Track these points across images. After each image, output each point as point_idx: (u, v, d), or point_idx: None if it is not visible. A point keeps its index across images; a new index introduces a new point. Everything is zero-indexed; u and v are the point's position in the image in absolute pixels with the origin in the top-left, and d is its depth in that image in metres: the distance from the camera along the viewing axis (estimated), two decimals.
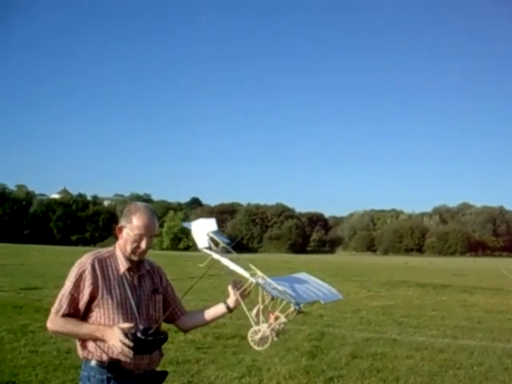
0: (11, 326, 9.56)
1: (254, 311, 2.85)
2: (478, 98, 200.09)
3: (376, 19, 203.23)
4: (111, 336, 2.72)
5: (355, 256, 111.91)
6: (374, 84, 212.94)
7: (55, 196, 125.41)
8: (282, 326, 2.75)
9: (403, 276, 30.76)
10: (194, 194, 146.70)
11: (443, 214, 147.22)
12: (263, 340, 2.72)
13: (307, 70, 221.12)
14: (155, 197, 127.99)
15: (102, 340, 2.76)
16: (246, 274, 2.86)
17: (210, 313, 3.15)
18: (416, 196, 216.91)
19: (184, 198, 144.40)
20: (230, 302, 3.06)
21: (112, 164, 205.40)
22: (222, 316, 3.16)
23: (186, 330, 3.37)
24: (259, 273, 2.85)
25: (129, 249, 2.89)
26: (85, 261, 2.87)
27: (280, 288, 2.74)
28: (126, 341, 2.66)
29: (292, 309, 2.64)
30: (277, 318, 2.75)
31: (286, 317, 2.71)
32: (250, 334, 2.76)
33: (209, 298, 14.64)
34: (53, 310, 2.84)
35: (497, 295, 19.88)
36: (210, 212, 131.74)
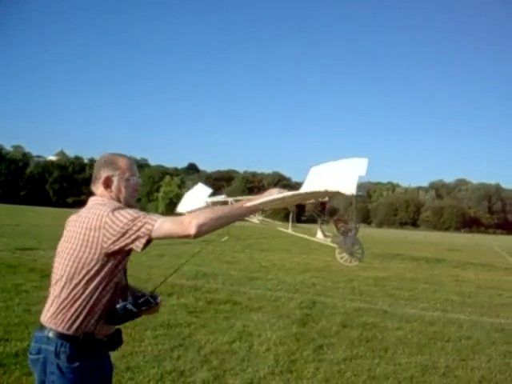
0: (5, 285, 9.59)
1: (319, 233, 2.95)
2: (476, 74, 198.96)
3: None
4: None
5: None
6: (374, 57, 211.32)
7: (52, 158, 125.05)
8: (357, 249, 2.86)
9: (397, 249, 30.95)
10: (191, 159, 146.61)
11: (439, 189, 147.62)
12: (350, 257, 2.85)
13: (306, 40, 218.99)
14: (152, 161, 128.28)
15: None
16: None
17: None
18: (413, 170, 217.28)
19: (181, 164, 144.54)
20: None
21: (110, 127, 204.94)
22: None
23: None
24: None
25: (126, 194, 2.73)
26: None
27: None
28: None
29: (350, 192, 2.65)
30: (341, 221, 2.84)
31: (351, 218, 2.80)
32: (337, 257, 2.89)
33: (203, 263, 14.74)
34: (157, 220, 2.47)
35: (489, 271, 20.04)
36: (206, 178, 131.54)
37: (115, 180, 2.73)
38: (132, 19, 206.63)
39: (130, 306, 2.60)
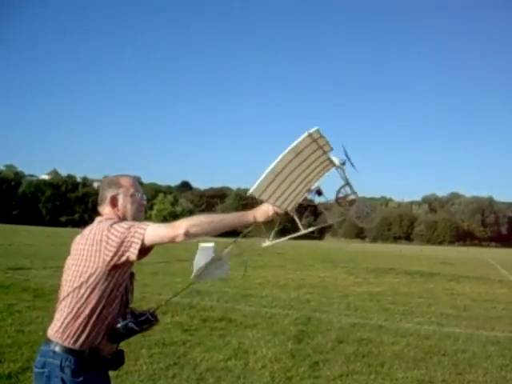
0: None
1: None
2: (469, 87, 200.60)
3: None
4: (264, 212, 2.70)
5: (344, 243, 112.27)
6: (363, 67, 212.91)
7: (44, 177, 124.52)
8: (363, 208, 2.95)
9: (391, 263, 30.95)
10: (184, 177, 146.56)
11: (432, 203, 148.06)
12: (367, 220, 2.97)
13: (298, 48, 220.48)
14: (145, 179, 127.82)
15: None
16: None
17: None
18: (406, 184, 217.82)
19: (174, 182, 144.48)
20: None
21: (102, 146, 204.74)
22: None
23: None
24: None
25: (133, 210, 2.82)
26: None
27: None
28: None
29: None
30: (342, 198, 2.93)
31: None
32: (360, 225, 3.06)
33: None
34: (149, 225, 2.55)
35: (483, 284, 20.04)
36: (200, 195, 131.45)
37: (120, 198, 2.82)
38: (122, 35, 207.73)
39: (131, 325, 2.65)
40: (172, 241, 2.53)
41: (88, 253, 2.61)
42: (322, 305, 12.19)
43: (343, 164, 2.92)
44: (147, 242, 2.52)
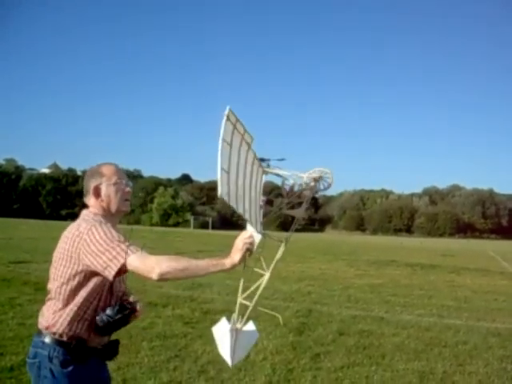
0: None
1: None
2: (469, 80, 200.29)
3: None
4: (236, 250, 2.57)
5: (344, 235, 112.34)
6: (364, 61, 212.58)
7: (45, 170, 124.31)
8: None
9: (392, 255, 30.96)
10: (184, 170, 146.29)
11: (433, 195, 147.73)
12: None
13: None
14: (145, 173, 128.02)
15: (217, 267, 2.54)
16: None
17: None
18: (406, 176, 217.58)
19: (174, 175, 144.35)
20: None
21: (102, 139, 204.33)
22: None
23: None
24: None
25: (117, 200, 2.77)
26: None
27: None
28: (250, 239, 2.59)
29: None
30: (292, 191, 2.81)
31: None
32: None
33: None
34: (129, 254, 2.48)
35: (484, 276, 20.05)
36: (200, 188, 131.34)
37: (103, 187, 2.77)
38: (124, 30, 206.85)
39: (105, 317, 2.65)
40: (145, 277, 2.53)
41: (68, 253, 2.61)
42: (322, 297, 12.21)
43: (265, 162, 2.78)
44: (128, 267, 2.50)
